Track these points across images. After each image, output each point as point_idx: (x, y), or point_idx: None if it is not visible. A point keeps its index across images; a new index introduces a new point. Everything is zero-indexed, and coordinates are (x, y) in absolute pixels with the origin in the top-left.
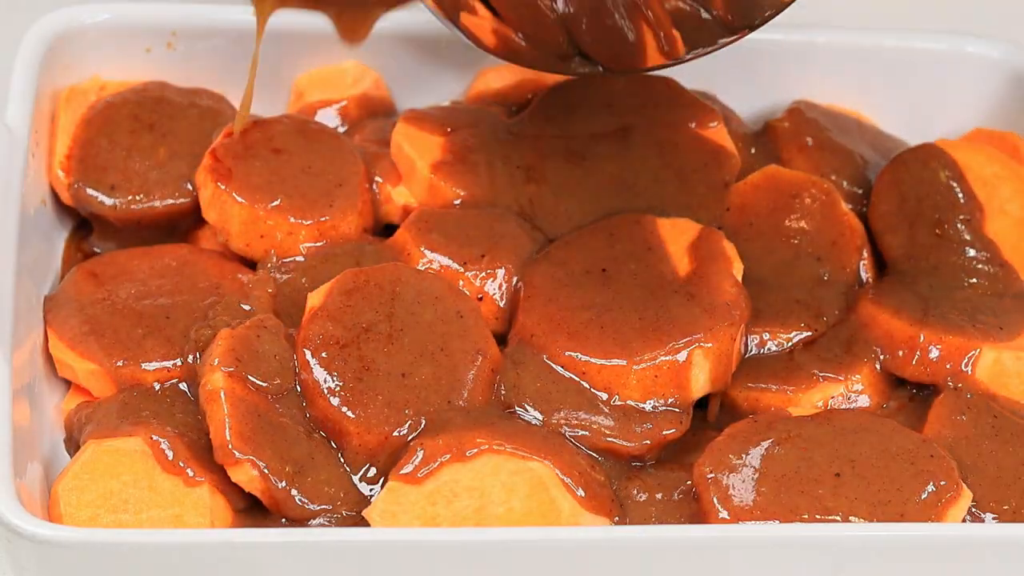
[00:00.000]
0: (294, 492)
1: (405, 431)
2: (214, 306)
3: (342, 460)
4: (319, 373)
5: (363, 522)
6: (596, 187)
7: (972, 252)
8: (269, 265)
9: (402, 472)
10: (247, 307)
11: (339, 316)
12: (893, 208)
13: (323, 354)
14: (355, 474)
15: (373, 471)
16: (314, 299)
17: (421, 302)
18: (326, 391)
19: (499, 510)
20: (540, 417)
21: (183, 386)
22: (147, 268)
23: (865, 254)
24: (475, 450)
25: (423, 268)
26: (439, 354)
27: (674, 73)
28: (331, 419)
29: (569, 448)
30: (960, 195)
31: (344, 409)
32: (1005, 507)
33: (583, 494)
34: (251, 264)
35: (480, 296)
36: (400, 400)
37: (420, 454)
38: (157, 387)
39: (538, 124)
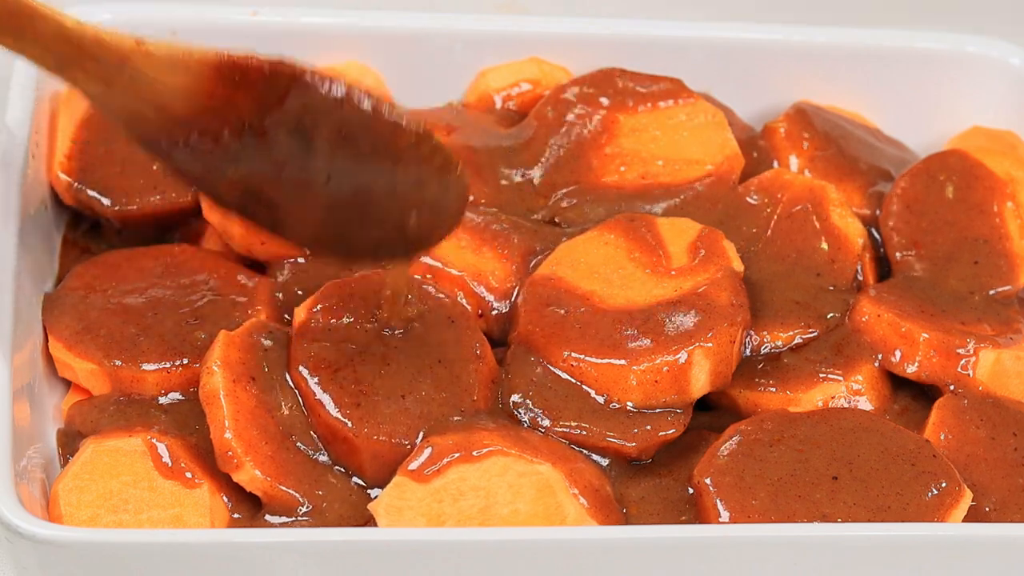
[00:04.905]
0: (294, 494)
1: (412, 447)
2: (214, 307)
3: (345, 469)
4: (317, 393)
5: (367, 515)
6: (600, 187)
7: (976, 254)
8: (271, 266)
9: (409, 468)
10: (248, 309)
11: (326, 336)
12: (904, 216)
13: (316, 378)
14: (360, 482)
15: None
16: (299, 314)
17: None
18: (325, 410)
19: (504, 511)
20: (540, 420)
21: (182, 387)
22: (146, 268)
23: (867, 255)
24: (483, 450)
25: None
26: (437, 367)
27: (675, 73)
28: (335, 429)
29: (573, 453)
30: (971, 202)
31: (348, 424)
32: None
33: (586, 502)
34: (253, 265)
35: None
36: (403, 425)
37: (428, 452)
38: (156, 387)
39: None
